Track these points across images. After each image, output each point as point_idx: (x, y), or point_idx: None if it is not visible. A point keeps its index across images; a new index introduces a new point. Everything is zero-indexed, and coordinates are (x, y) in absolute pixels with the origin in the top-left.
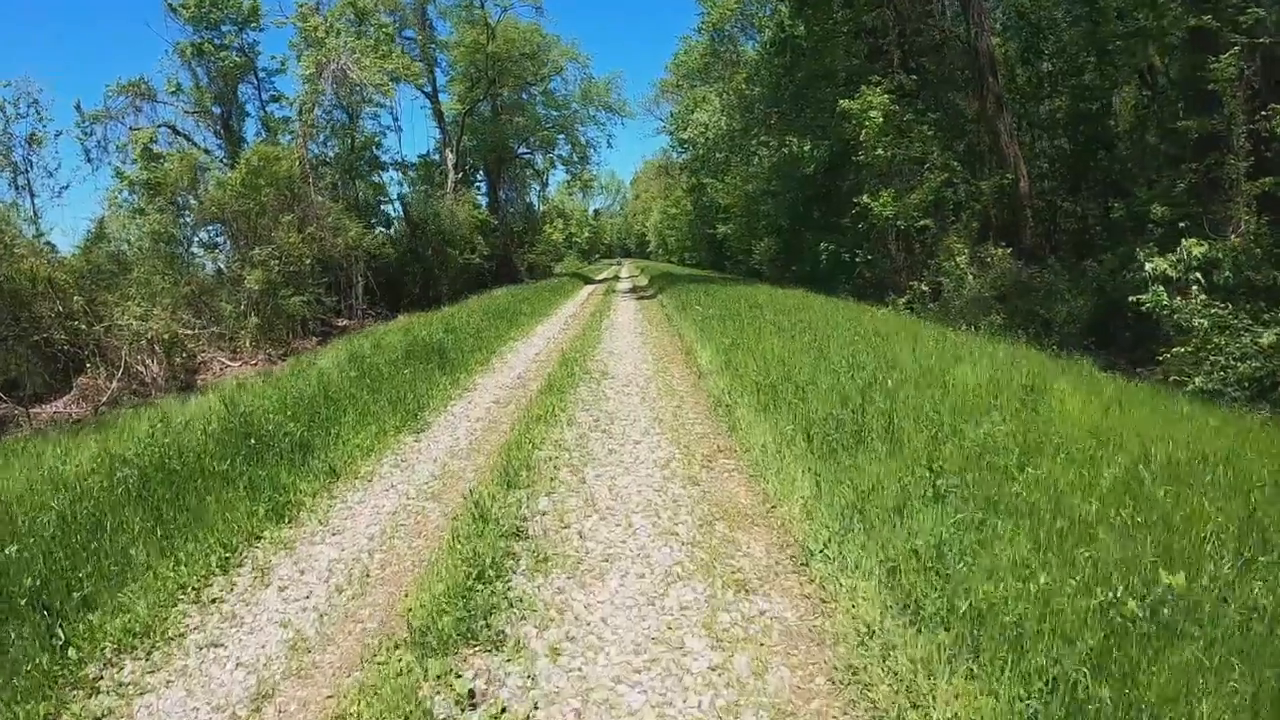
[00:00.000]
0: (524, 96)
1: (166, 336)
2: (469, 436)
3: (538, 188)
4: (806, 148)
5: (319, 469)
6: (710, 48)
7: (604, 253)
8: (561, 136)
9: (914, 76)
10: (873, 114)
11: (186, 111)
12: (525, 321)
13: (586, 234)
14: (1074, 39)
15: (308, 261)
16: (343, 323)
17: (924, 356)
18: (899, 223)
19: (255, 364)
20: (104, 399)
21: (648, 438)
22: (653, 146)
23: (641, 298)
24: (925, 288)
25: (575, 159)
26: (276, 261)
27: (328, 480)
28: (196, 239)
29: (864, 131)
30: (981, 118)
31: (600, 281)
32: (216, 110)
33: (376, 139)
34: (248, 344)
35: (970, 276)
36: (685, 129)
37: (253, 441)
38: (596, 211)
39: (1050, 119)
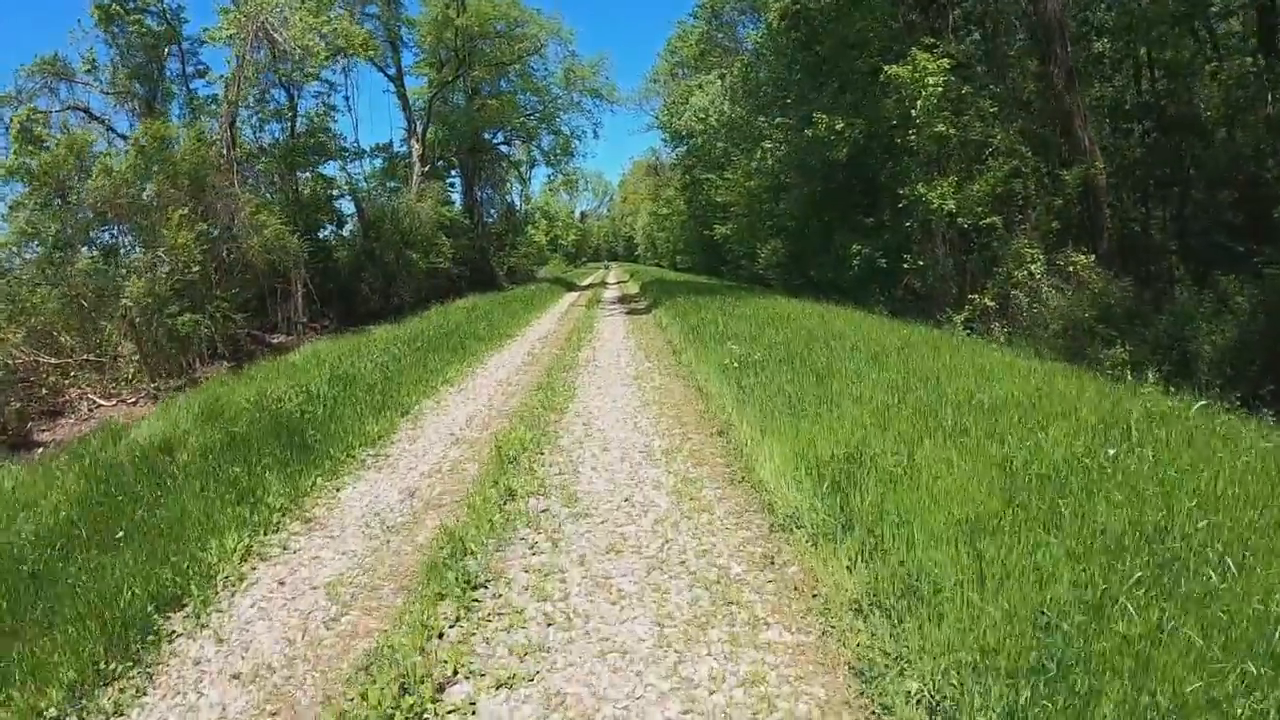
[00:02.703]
0: (502, 84)
1: None
2: None
3: (519, 186)
4: (839, 126)
5: None
6: (707, 34)
7: (591, 256)
8: (543, 127)
9: (961, 47)
10: (930, 82)
11: (104, 92)
12: (476, 350)
13: (573, 236)
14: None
15: (195, 268)
16: (278, 339)
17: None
18: (960, 219)
19: (135, 402)
20: None
21: None
22: (641, 146)
23: (633, 311)
24: (990, 302)
25: (558, 151)
26: (166, 268)
27: None
28: (96, 241)
29: (919, 104)
30: (1048, 96)
31: (584, 288)
32: (140, 90)
33: (321, 119)
34: (131, 375)
35: (1047, 289)
36: (680, 117)
37: None
38: (583, 214)
39: (1114, 104)
